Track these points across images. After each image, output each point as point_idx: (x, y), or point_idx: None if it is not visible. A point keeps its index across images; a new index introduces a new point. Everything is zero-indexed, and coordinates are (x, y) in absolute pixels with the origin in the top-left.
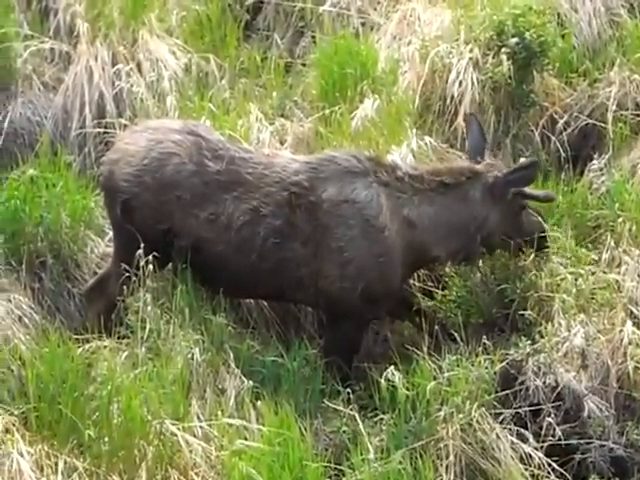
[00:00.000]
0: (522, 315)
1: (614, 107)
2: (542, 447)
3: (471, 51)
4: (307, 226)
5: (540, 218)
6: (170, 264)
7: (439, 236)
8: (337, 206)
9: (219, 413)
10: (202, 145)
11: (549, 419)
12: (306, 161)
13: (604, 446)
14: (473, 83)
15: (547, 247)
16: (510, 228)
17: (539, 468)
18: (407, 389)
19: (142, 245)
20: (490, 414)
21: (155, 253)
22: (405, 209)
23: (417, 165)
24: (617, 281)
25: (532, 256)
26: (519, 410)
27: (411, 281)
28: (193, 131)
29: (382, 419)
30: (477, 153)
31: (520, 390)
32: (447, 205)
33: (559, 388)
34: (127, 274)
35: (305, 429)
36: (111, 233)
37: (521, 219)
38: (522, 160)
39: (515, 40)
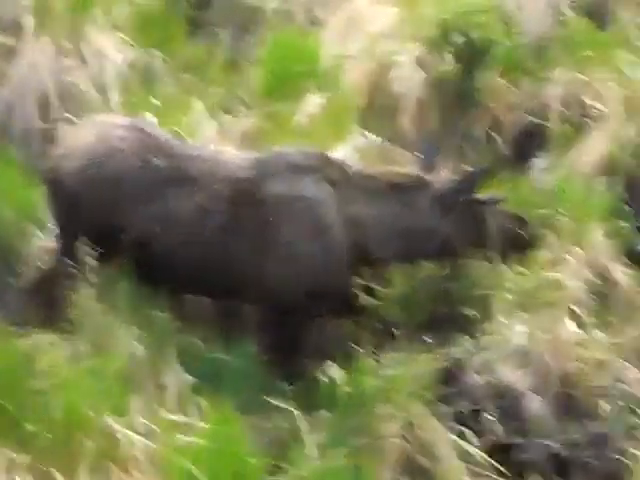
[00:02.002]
0: (464, 313)
1: (559, 106)
2: (482, 445)
3: (416, 49)
4: (253, 223)
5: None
6: (114, 260)
7: (384, 238)
8: (284, 203)
9: (160, 409)
10: (148, 141)
11: (490, 417)
12: (253, 158)
13: (544, 445)
14: (418, 81)
15: (532, 247)
16: (474, 237)
17: (480, 466)
18: (348, 387)
19: (86, 241)
20: (431, 412)
21: (99, 248)
22: (351, 208)
23: (366, 166)
24: (559, 280)
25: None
26: (460, 408)
27: (353, 278)
28: (139, 127)
29: (323, 416)
30: (429, 170)
31: (461, 388)
32: (394, 209)
33: (500, 387)
34: (70, 269)
35: (246, 426)
36: (54, 228)
37: (485, 227)
38: (468, 168)
39: (460, 38)
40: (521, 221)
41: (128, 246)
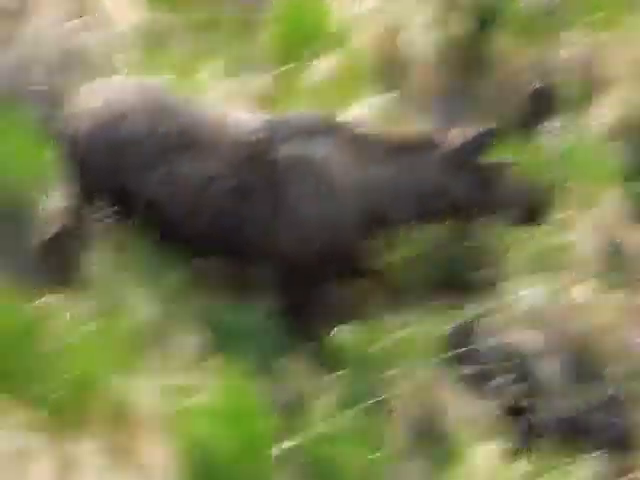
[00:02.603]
0: (475, 275)
1: (570, 69)
2: (494, 407)
3: (428, 10)
4: (264, 185)
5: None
6: (127, 221)
7: (395, 199)
8: (294, 165)
9: (172, 370)
10: (159, 104)
11: (501, 380)
12: (264, 120)
13: (556, 407)
14: (429, 42)
15: (543, 210)
16: (485, 200)
17: (491, 428)
18: (360, 348)
19: (98, 202)
20: (443, 374)
21: (110, 210)
22: (362, 170)
23: (376, 127)
24: (571, 242)
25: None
26: (471, 371)
27: (365, 240)
28: (151, 90)
29: (335, 377)
30: (440, 129)
31: (473, 350)
32: (403, 171)
33: (512, 349)
34: (82, 230)
35: (258, 387)
36: (66, 189)
37: (496, 190)
38: (478, 129)
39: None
40: (532, 184)
41: (140, 209)
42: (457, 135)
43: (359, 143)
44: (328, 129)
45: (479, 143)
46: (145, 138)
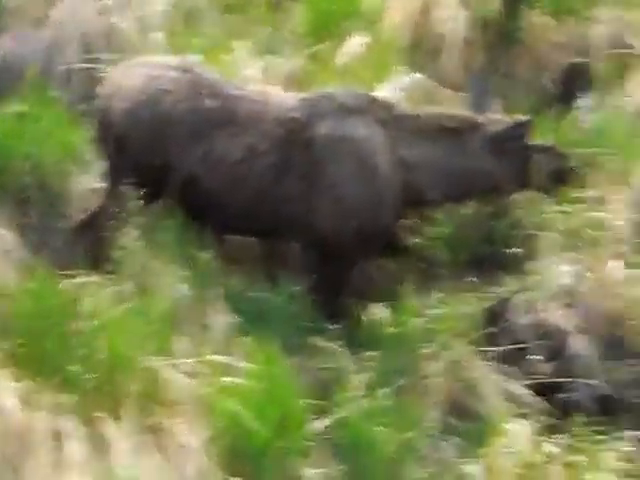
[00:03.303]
0: (509, 253)
1: (604, 46)
2: (528, 385)
3: None
4: (302, 163)
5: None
6: (160, 201)
7: (434, 180)
8: (333, 143)
9: (205, 350)
10: (198, 82)
11: (535, 357)
12: (303, 98)
13: (589, 385)
14: (462, 20)
15: (577, 185)
16: (522, 179)
17: (525, 406)
18: (393, 326)
19: (134, 180)
20: (476, 352)
21: (146, 188)
22: (401, 149)
23: (416, 107)
24: (604, 219)
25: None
26: (505, 348)
27: (400, 219)
28: (189, 68)
29: (368, 356)
30: (480, 109)
31: (506, 328)
32: (444, 151)
33: (545, 326)
34: (117, 209)
35: (291, 366)
36: (100, 169)
37: (533, 170)
38: (518, 117)
39: None
40: (566, 159)
41: (176, 187)
42: (499, 119)
43: (398, 122)
44: (366, 107)
45: (524, 129)
46: (187, 114)
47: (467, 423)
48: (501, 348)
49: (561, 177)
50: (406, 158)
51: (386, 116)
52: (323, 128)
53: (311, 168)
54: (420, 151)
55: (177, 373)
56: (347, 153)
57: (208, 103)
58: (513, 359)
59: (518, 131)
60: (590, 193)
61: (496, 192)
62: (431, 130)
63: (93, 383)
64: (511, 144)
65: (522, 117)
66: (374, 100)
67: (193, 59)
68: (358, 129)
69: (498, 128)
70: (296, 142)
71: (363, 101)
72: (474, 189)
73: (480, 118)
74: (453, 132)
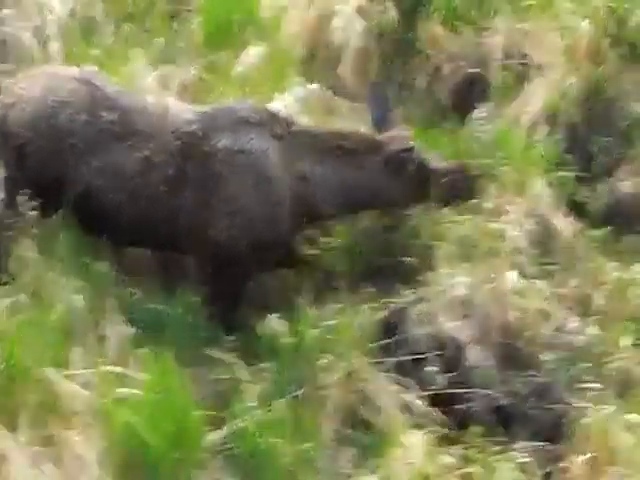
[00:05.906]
0: (405, 263)
1: (499, 56)
2: (424, 396)
3: None
4: (199, 175)
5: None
6: (56, 212)
7: (330, 195)
8: (231, 156)
9: (100, 361)
10: (97, 94)
11: (431, 368)
12: (202, 111)
13: (487, 395)
14: (359, 31)
15: (473, 197)
16: (419, 194)
17: (421, 417)
18: (289, 337)
19: (31, 191)
20: (372, 363)
21: (42, 200)
22: (298, 164)
23: (317, 123)
24: (501, 230)
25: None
26: (401, 359)
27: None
28: (89, 80)
29: (264, 367)
30: (381, 123)
31: (402, 339)
32: (341, 169)
33: (441, 337)
34: (13, 220)
35: (187, 377)
36: None
37: (430, 184)
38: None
39: None
40: (462, 171)
41: (73, 198)
42: (397, 136)
43: (296, 138)
44: (264, 121)
45: (414, 150)
46: (85, 126)
47: (363, 434)
48: (397, 359)
49: (460, 193)
50: (302, 173)
51: (284, 131)
52: (221, 141)
53: (207, 181)
54: (317, 168)
55: (73, 384)
56: (243, 166)
57: (106, 115)
58: (409, 370)
59: (411, 153)
60: (486, 204)
61: (393, 206)
62: (331, 149)
63: None
64: (407, 165)
65: (407, 134)
66: (272, 114)
67: (92, 70)
68: (255, 143)
69: (394, 148)
70: (193, 155)
71: (262, 115)
72: (371, 205)
73: (378, 137)
74: (351, 153)
